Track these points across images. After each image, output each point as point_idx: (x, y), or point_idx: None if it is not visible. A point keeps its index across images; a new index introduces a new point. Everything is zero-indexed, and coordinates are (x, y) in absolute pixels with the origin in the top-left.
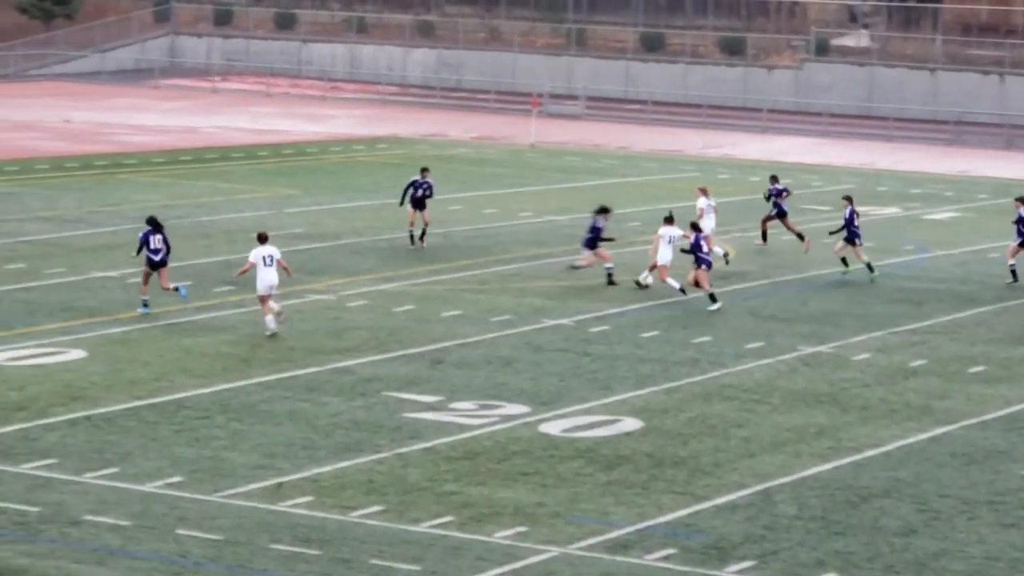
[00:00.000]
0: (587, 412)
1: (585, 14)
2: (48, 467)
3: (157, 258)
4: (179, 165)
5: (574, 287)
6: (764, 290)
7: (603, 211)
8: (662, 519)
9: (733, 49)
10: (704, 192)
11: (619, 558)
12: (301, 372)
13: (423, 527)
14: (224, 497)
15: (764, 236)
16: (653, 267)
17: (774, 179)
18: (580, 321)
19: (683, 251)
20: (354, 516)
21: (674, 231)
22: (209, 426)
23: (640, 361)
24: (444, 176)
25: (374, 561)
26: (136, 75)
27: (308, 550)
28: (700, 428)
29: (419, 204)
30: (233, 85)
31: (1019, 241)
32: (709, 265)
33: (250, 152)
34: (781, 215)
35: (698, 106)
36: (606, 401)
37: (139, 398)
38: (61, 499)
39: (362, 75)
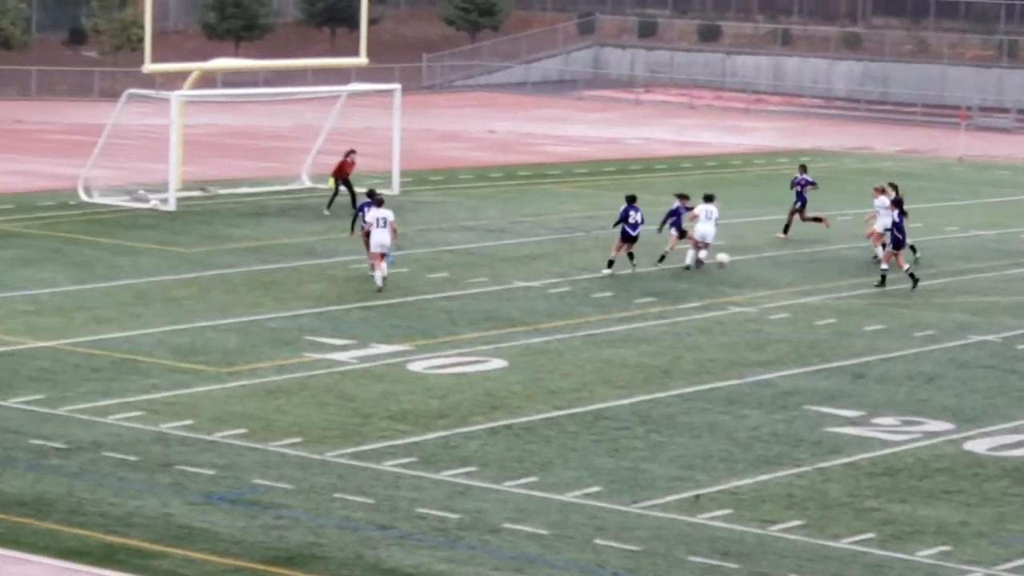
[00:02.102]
0: (1014, 430)
1: (1017, 25)
2: (468, 475)
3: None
4: (602, 176)
5: (1000, 303)
6: None
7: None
8: None
9: None
10: (882, 191)
11: None
12: (721, 384)
13: (843, 543)
14: (642, 508)
15: (786, 228)
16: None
17: (803, 169)
18: (1007, 338)
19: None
20: (773, 530)
21: None
22: (628, 437)
23: None
24: (868, 189)
25: None
26: (560, 86)
27: (726, 563)
28: None
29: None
30: (656, 97)
31: None
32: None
33: (673, 164)
34: (801, 206)
35: None
36: None
37: (559, 408)
38: (481, 507)
39: (786, 87)
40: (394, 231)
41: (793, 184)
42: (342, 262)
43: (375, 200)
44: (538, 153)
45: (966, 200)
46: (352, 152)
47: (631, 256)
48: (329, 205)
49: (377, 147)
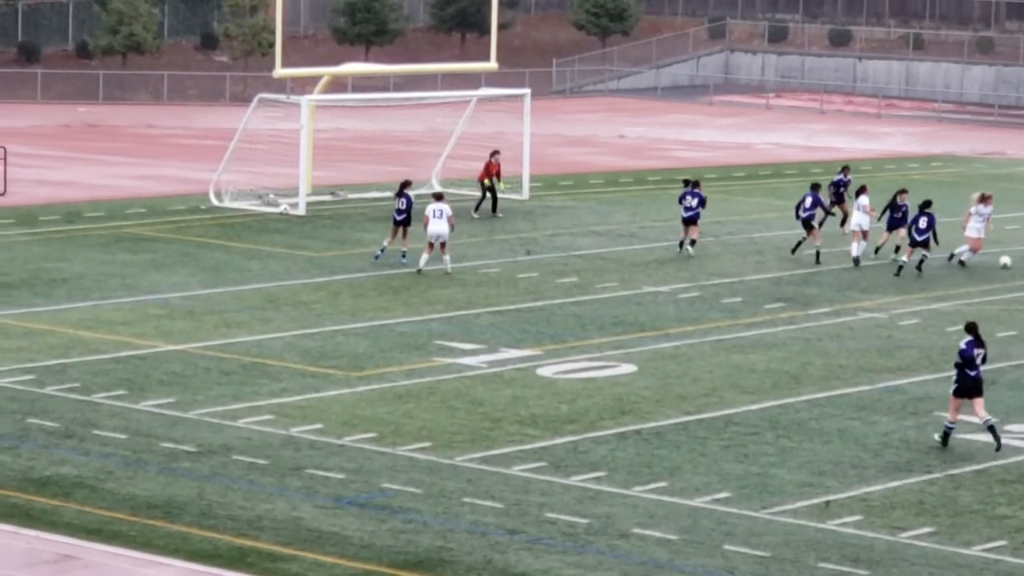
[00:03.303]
0: None
1: None
2: (597, 480)
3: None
4: (732, 181)
5: None
6: None
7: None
8: None
9: None
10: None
11: None
12: (851, 390)
13: (975, 550)
14: (771, 514)
15: (842, 222)
16: None
17: (844, 170)
18: None
19: None
20: (904, 537)
21: None
22: (758, 442)
23: None
24: (1001, 195)
25: None
26: (690, 91)
27: (856, 570)
28: None
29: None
30: (786, 102)
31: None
32: None
33: (803, 169)
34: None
35: None
36: None
37: (688, 413)
38: (610, 511)
39: (917, 92)
40: (451, 223)
41: (832, 185)
42: (472, 267)
43: (434, 195)
44: (668, 158)
45: None
46: (496, 153)
47: (692, 243)
48: (494, 208)
49: (507, 152)
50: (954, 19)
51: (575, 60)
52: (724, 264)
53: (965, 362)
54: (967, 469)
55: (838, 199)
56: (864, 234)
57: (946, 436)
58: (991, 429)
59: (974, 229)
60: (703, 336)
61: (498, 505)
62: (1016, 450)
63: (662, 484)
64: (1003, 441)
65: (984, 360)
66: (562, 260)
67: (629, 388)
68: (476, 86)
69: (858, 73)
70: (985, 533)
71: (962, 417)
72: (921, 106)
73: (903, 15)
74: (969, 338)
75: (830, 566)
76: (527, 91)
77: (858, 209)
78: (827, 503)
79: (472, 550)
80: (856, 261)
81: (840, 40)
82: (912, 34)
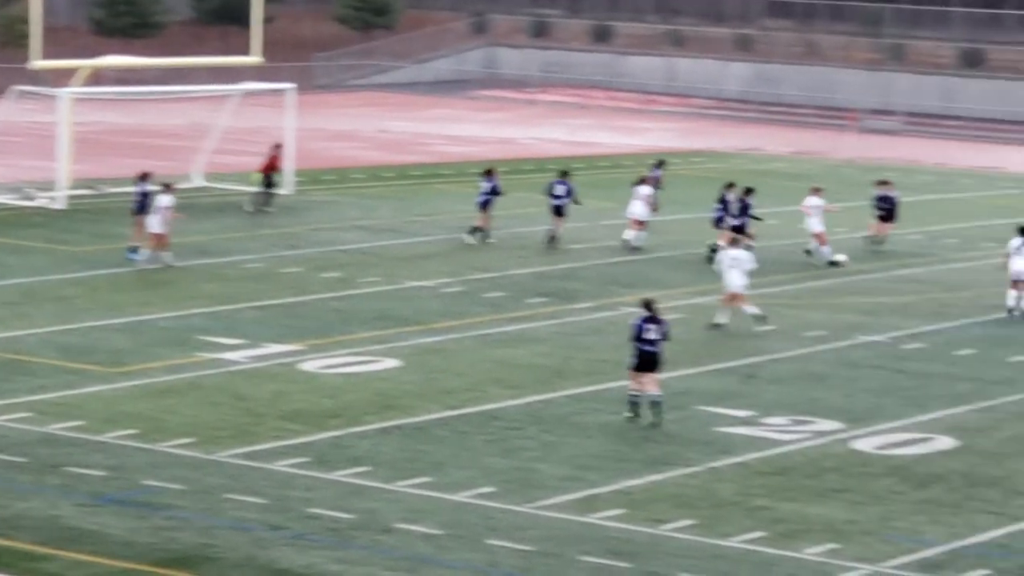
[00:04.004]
0: (901, 430)
1: (904, 28)
2: (361, 475)
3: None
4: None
5: (888, 304)
6: None
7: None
8: (976, 539)
9: None
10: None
11: None
12: (613, 385)
13: (734, 542)
14: (534, 508)
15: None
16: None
17: (660, 165)
18: (895, 338)
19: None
20: (664, 529)
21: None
22: (521, 437)
23: (955, 379)
24: (761, 191)
25: (684, 575)
26: (453, 86)
27: (618, 563)
28: (1017, 447)
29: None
30: (549, 97)
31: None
32: None
33: (565, 164)
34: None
35: (1020, 123)
36: (920, 419)
37: (452, 408)
38: (374, 506)
39: (678, 88)
40: (168, 216)
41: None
42: (234, 261)
43: (163, 186)
44: (431, 153)
45: (856, 202)
46: (279, 146)
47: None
48: (267, 203)
49: (270, 146)
50: (714, 16)
51: (338, 55)
52: (487, 259)
53: (637, 337)
54: (727, 462)
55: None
56: (640, 223)
57: (633, 406)
58: (655, 404)
59: (815, 223)
60: (466, 331)
61: (261, 501)
62: (774, 443)
63: (426, 479)
64: (762, 435)
65: (665, 337)
66: (325, 255)
67: (392, 383)
68: (239, 80)
69: (620, 69)
70: (744, 524)
71: (724, 410)
72: (682, 102)
73: (664, 12)
74: (645, 314)
75: (592, 559)
76: (291, 86)
77: (637, 198)
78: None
79: (235, 547)
80: (625, 244)
81: (602, 36)
82: (673, 30)
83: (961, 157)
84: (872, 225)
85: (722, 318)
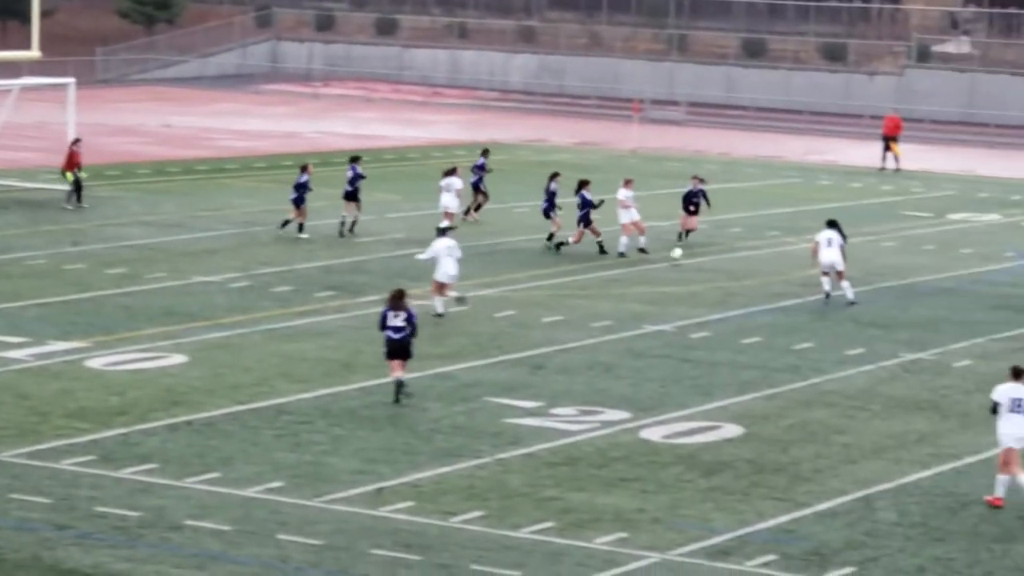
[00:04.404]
0: (688, 418)
1: (687, 19)
2: (149, 472)
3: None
4: (281, 170)
5: (674, 293)
6: (865, 296)
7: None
8: (763, 525)
9: (835, 55)
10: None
11: (719, 564)
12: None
13: (523, 533)
14: (325, 502)
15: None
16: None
17: (485, 153)
18: (681, 327)
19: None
20: (455, 522)
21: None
22: (310, 431)
23: (741, 367)
24: (543, 181)
25: (475, 567)
26: (238, 80)
27: (409, 555)
28: (801, 434)
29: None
30: (335, 90)
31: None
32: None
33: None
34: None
35: (799, 112)
36: (707, 407)
37: (240, 403)
38: (162, 504)
39: (463, 81)
40: None
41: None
42: (16, 258)
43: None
44: (216, 148)
45: (640, 191)
46: (77, 141)
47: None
48: (79, 198)
49: (51, 142)
50: (497, 9)
51: (120, 49)
52: (274, 253)
53: (384, 327)
54: (515, 453)
55: (476, 185)
56: (450, 215)
57: (397, 390)
58: (399, 385)
59: (627, 215)
60: (254, 325)
61: (46, 500)
62: (562, 433)
63: (214, 475)
64: (550, 425)
65: (411, 325)
66: (110, 251)
67: (180, 379)
68: (17, 75)
69: (405, 62)
70: (533, 515)
71: (512, 402)
72: (467, 94)
73: (448, 5)
74: (389, 304)
75: (383, 552)
76: (71, 80)
77: (447, 190)
78: (380, 489)
79: (19, 547)
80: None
81: (387, 29)
82: (457, 23)
83: (744, 146)
84: (682, 218)
85: (440, 308)
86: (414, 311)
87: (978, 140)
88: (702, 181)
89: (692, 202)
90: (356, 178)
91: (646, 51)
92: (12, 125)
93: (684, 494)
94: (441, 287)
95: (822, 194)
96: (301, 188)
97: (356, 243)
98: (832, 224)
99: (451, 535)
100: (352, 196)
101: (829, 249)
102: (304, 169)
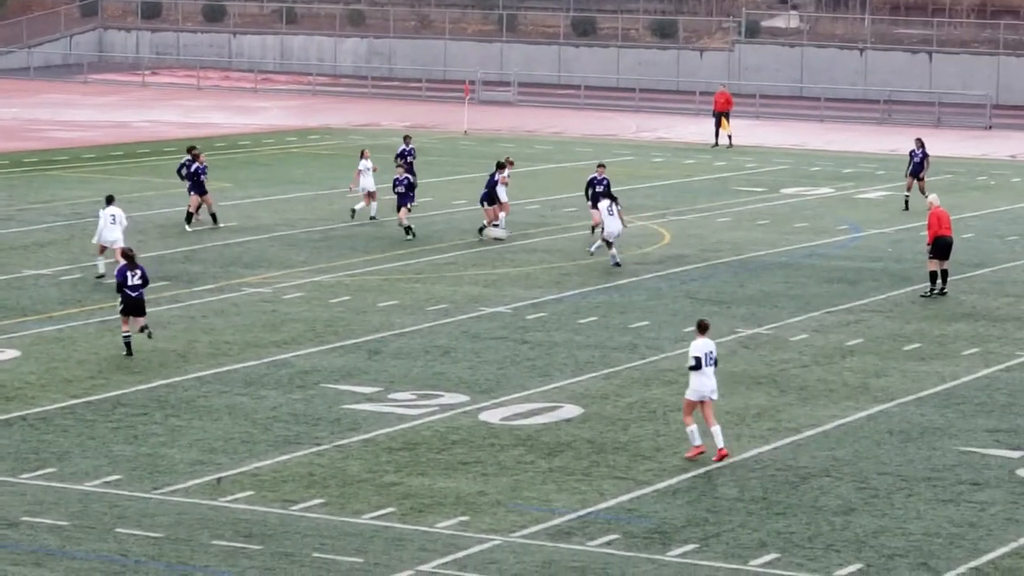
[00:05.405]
0: (527, 400)
1: (516, 0)
2: None
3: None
4: (110, 161)
5: (510, 275)
6: (701, 273)
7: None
8: (604, 505)
9: (665, 32)
10: (364, 155)
11: (562, 545)
12: (239, 366)
13: (365, 519)
14: (163, 494)
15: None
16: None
17: (406, 139)
18: (517, 308)
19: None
20: (295, 510)
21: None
22: (147, 423)
23: (579, 347)
24: (379, 165)
25: (316, 554)
26: (64, 70)
27: (250, 545)
28: (640, 413)
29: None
30: (163, 79)
31: None
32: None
33: (182, 146)
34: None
35: (631, 90)
36: (545, 388)
37: (75, 396)
38: None
39: (293, 66)
40: None
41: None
42: None
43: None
44: (44, 139)
45: (474, 173)
46: None
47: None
48: None
49: None
50: None
51: None
52: None
53: (122, 285)
54: (354, 439)
55: (409, 169)
56: (372, 195)
57: (127, 346)
58: (141, 330)
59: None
60: (87, 318)
61: None
62: (400, 418)
63: (51, 470)
64: (389, 411)
65: (145, 281)
66: None
67: (13, 374)
68: None
69: (233, 48)
70: (374, 501)
71: (350, 387)
72: (297, 80)
73: None
74: (122, 263)
75: (223, 543)
76: None
77: (364, 171)
78: (219, 480)
79: None
80: (352, 213)
81: (214, 16)
82: (285, 8)
83: (576, 126)
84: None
85: (103, 268)
86: (145, 268)
87: (809, 114)
88: (601, 168)
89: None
90: (200, 171)
91: (475, 32)
92: None
93: (525, 476)
94: (104, 249)
95: (655, 171)
96: (197, 175)
97: (188, 232)
98: (607, 194)
99: (292, 523)
100: (200, 189)
101: (611, 218)
102: (196, 157)
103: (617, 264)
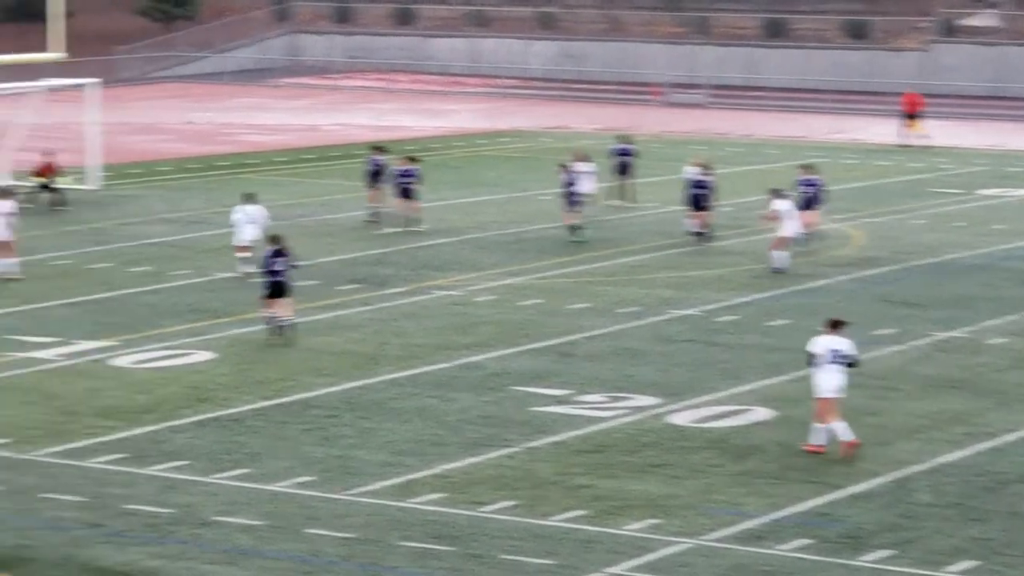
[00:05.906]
0: (717, 402)
1: (706, 2)
2: (178, 469)
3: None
4: (302, 164)
5: (701, 277)
6: (896, 275)
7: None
8: (795, 509)
9: (857, 32)
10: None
11: (753, 549)
12: (429, 368)
13: (554, 521)
14: (354, 495)
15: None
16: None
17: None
18: (708, 311)
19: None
20: (485, 512)
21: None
22: (337, 424)
23: (769, 350)
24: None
25: (506, 556)
26: (257, 74)
27: (439, 547)
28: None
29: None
30: (354, 82)
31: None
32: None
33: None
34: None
35: (822, 91)
36: (736, 391)
37: (267, 398)
38: (191, 501)
39: (483, 69)
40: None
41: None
42: (43, 259)
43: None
44: (237, 143)
45: (664, 176)
46: (50, 152)
47: None
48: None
49: (74, 142)
50: None
51: (140, 47)
52: (297, 247)
53: (266, 270)
54: (545, 441)
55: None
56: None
57: (270, 330)
58: (290, 327)
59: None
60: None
61: (77, 499)
62: (591, 420)
63: (243, 471)
64: (579, 413)
65: (291, 266)
66: (134, 249)
67: (206, 375)
68: (40, 77)
69: (424, 51)
70: (564, 503)
71: (540, 390)
72: (487, 82)
73: None
74: (270, 248)
75: (413, 544)
76: (94, 80)
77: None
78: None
79: (52, 546)
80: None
81: (405, 19)
82: (476, 11)
83: (767, 127)
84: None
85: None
86: (293, 254)
87: (1007, 115)
88: (810, 168)
89: (806, 193)
90: (408, 174)
91: (666, 35)
92: (38, 127)
93: (715, 479)
94: (245, 248)
95: (848, 173)
96: (406, 177)
97: (378, 235)
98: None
99: (481, 525)
100: (407, 194)
101: (791, 221)
102: (413, 159)
103: (779, 269)
